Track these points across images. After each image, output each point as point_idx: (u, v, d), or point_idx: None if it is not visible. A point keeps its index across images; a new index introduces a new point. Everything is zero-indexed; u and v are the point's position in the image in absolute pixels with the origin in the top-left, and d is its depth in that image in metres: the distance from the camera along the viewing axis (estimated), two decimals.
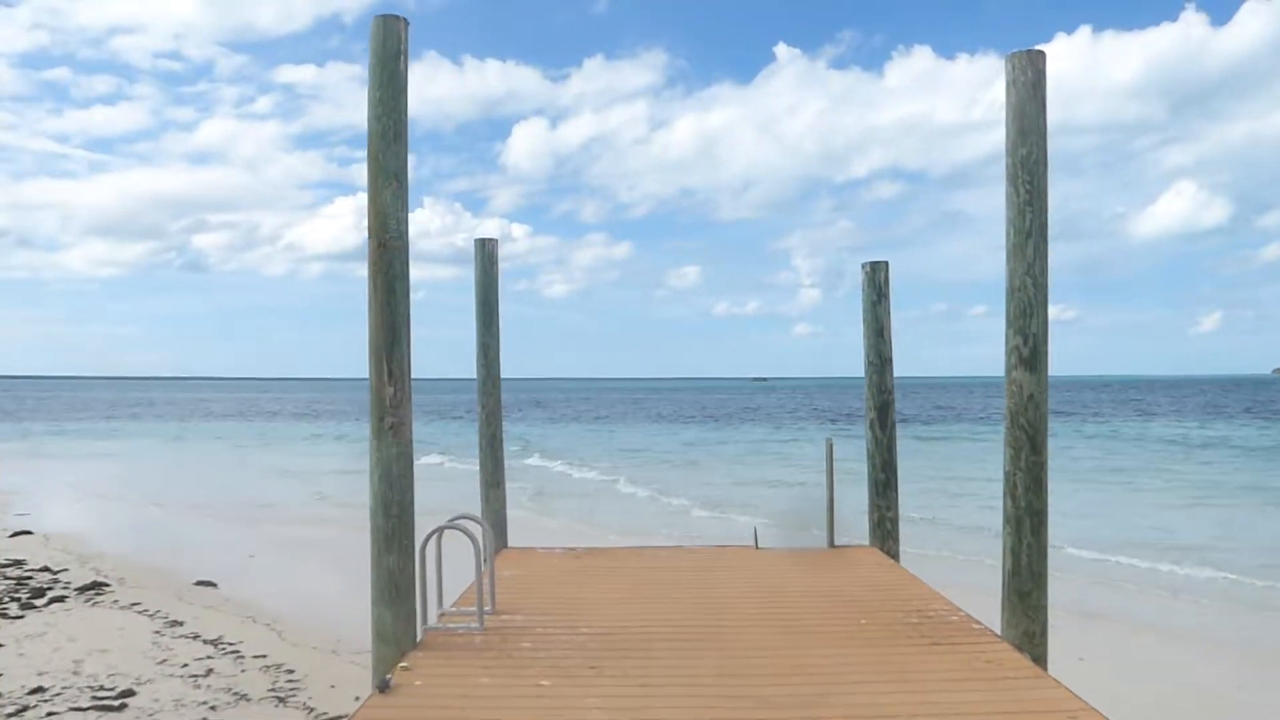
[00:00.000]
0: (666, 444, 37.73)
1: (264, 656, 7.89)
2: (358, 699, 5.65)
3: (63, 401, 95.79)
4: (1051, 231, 4.70)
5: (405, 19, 4.66)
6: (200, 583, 10.97)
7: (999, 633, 4.90)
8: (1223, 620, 9.86)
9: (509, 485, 8.17)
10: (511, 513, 8.17)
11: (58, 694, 6.89)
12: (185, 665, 7.63)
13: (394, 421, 4.56)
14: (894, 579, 6.48)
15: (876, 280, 7.58)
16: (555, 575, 6.75)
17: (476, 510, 7.63)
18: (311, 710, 6.67)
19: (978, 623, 5.11)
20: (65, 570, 11.71)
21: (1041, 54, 4.70)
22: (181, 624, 9.02)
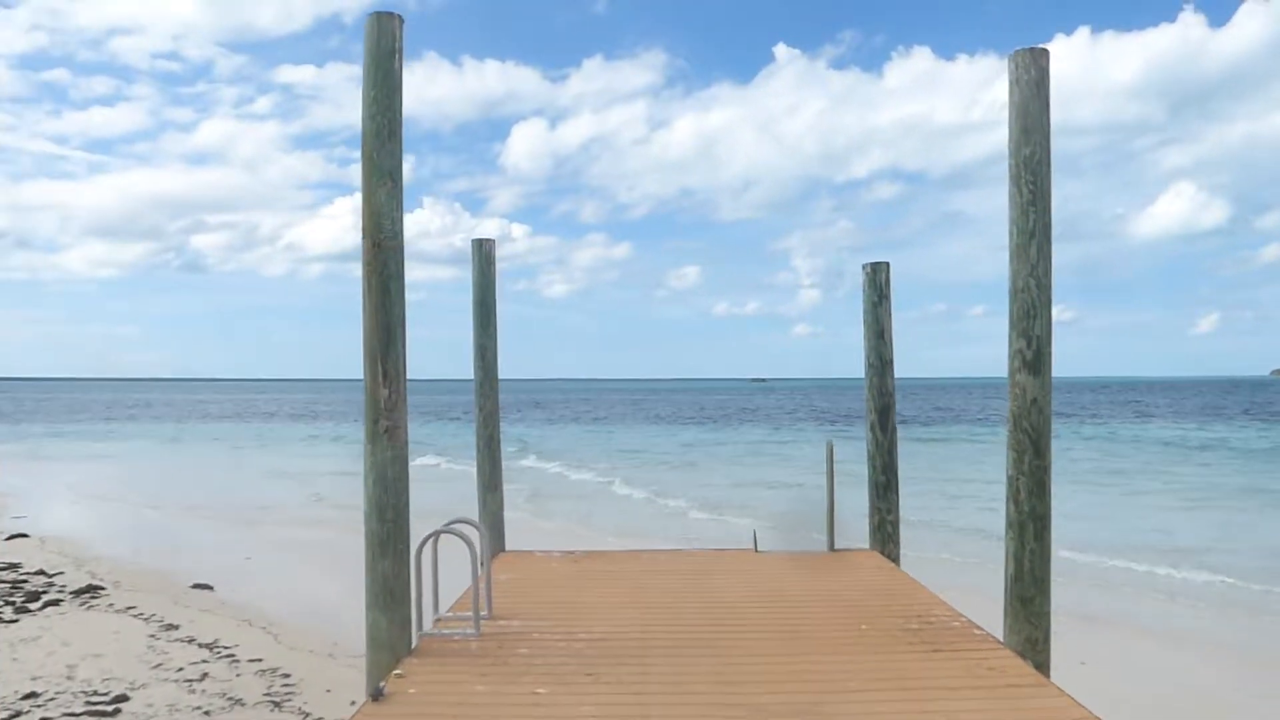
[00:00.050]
0: (665, 445, 37.68)
1: (260, 660, 7.84)
2: (354, 703, 5.59)
3: (61, 403, 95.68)
4: (1053, 232, 4.64)
5: (400, 16, 4.61)
6: (197, 585, 10.92)
7: (1001, 639, 4.84)
8: (1222, 624, 9.82)
9: (505, 487, 8.11)
10: (508, 515, 8.12)
11: (51, 699, 6.83)
12: (180, 669, 7.57)
13: (389, 425, 4.51)
14: (895, 583, 6.43)
15: (877, 281, 7.53)
16: (553, 579, 6.69)
17: (474, 513, 7.57)
18: (307, 715, 6.62)
19: (979, 628, 5.06)
20: (61, 573, 11.65)
21: (1045, 52, 4.64)
22: (177, 627, 8.96)
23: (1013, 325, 4.69)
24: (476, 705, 3.98)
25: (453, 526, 5.04)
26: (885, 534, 7.52)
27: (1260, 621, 9.87)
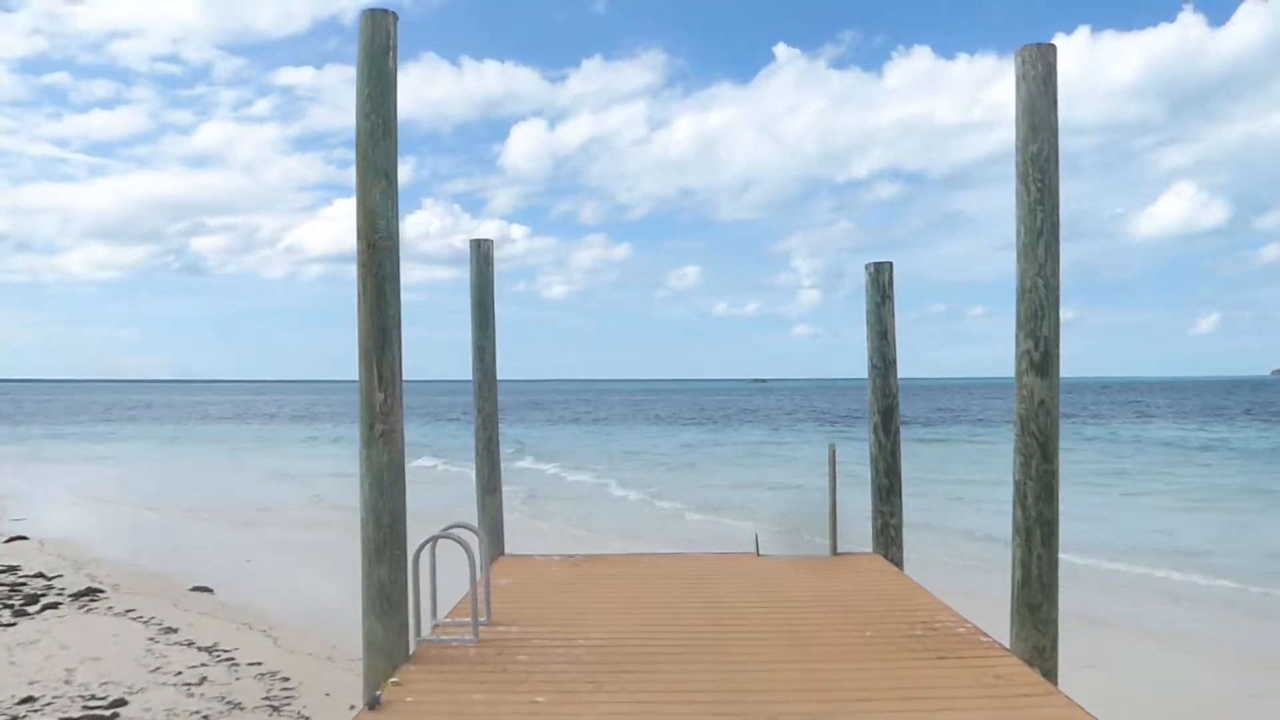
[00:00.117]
0: (664, 446, 37.61)
1: (259, 664, 7.79)
2: (352, 708, 5.54)
3: (61, 404, 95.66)
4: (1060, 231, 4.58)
5: (394, 13, 4.55)
6: (196, 588, 10.87)
7: (1007, 646, 4.78)
8: (1226, 626, 9.78)
9: (503, 489, 8.05)
10: (505, 516, 8.06)
11: (48, 704, 6.78)
12: (179, 673, 7.52)
13: (384, 429, 4.45)
14: (898, 588, 6.37)
15: (880, 281, 7.46)
16: (553, 584, 6.63)
17: (472, 515, 7.52)
18: (306, 719, 6.57)
19: (985, 635, 4.99)
20: (60, 576, 11.60)
21: (1052, 47, 4.55)
22: (176, 631, 8.91)
23: (1020, 326, 4.61)
24: (475, 714, 3.91)
25: (450, 531, 4.98)
26: (888, 537, 7.46)
27: (1262, 624, 9.83)
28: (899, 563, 7.34)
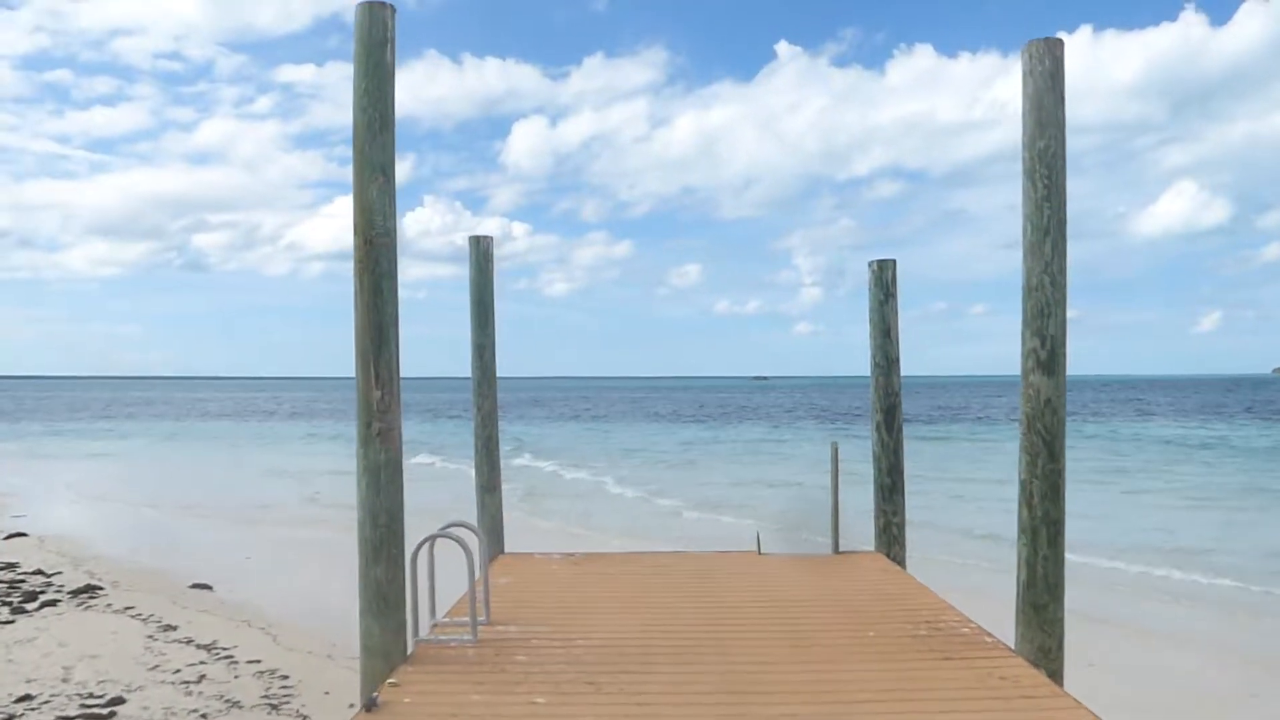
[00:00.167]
0: (663, 443, 37.57)
1: (258, 662, 7.76)
2: (352, 706, 5.50)
3: (62, 401, 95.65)
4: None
5: (392, 6, 4.49)
6: (195, 585, 10.84)
7: (1012, 646, 4.73)
8: (1227, 625, 9.76)
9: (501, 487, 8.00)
10: (504, 515, 8.02)
11: (46, 702, 6.75)
12: (177, 671, 7.49)
13: (382, 427, 4.40)
14: (901, 587, 6.32)
15: (884, 279, 7.40)
16: (552, 582, 6.59)
17: (471, 513, 7.47)
18: (305, 718, 6.54)
19: (990, 635, 4.94)
20: (59, 573, 11.57)
21: (1059, 42, 4.49)
22: (175, 628, 8.88)
23: (1026, 324, 4.56)
24: (473, 715, 3.87)
25: (449, 530, 4.93)
26: (891, 536, 7.41)
27: (1262, 623, 9.81)
28: (901, 562, 7.29)
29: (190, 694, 6.94)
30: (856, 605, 5.74)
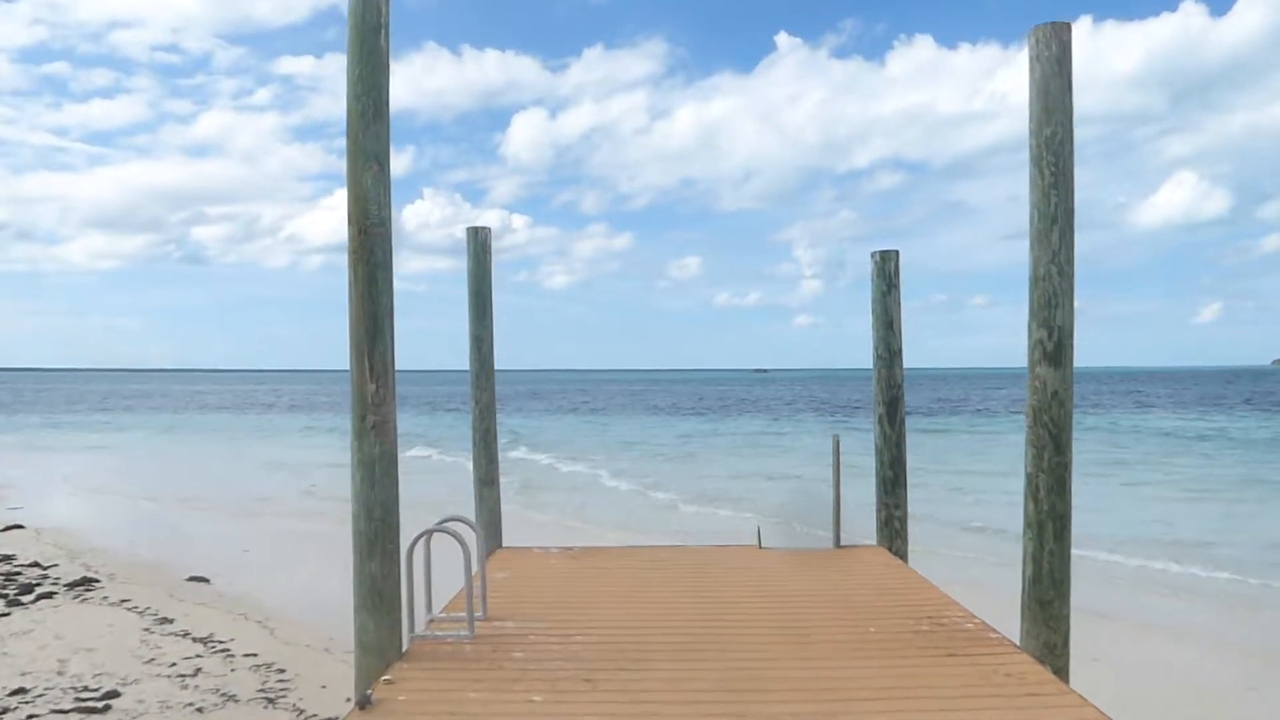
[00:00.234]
0: (662, 436, 37.53)
1: (254, 655, 7.71)
2: (349, 700, 5.46)
3: (60, 393, 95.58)
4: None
5: None
6: (193, 578, 10.79)
7: (1017, 643, 4.67)
8: (1226, 618, 9.73)
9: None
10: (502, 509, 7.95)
11: (40, 695, 6.69)
12: (173, 664, 7.44)
13: (376, 420, 4.32)
14: (904, 582, 6.26)
15: (886, 270, 7.32)
16: (550, 577, 6.53)
17: (468, 506, 7.41)
18: (301, 712, 6.49)
19: (994, 631, 4.88)
20: (55, 565, 11.52)
21: (1067, 27, 4.40)
22: (171, 621, 8.83)
23: (1033, 315, 4.47)
24: (469, 713, 3.81)
25: (445, 525, 4.86)
26: (893, 530, 7.35)
27: (1261, 615, 9.78)
28: (903, 555, 7.23)
29: (186, 687, 6.89)
30: (858, 600, 5.68)
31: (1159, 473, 23.16)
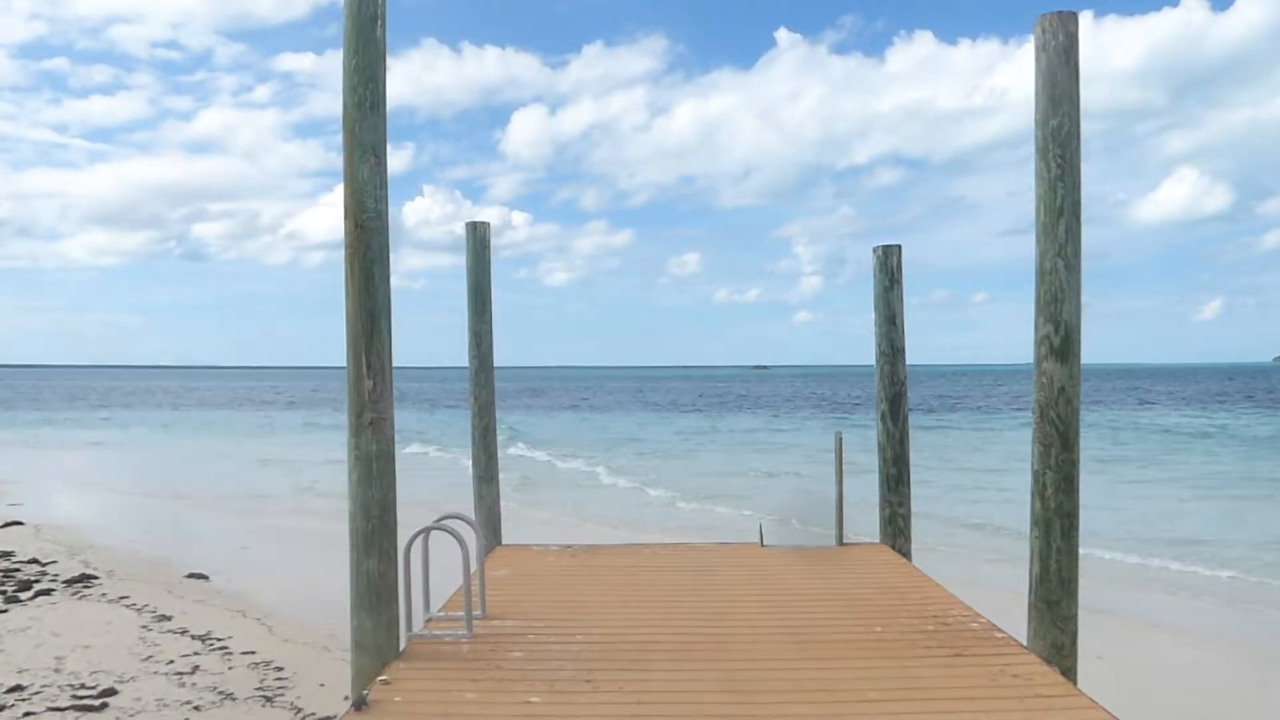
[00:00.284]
0: (660, 433, 37.50)
1: (253, 653, 7.67)
2: (346, 698, 5.41)
3: (61, 390, 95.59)
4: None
5: None
6: (191, 575, 10.75)
7: (1024, 643, 4.61)
8: (1229, 616, 9.69)
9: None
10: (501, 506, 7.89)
11: (37, 693, 6.65)
12: (171, 662, 7.40)
13: (374, 417, 4.26)
14: (908, 580, 6.20)
15: (889, 265, 7.25)
16: (550, 575, 6.48)
17: (468, 504, 7.36)
18: (299, 710, 6.44)
19: (1000, 631, 4.81)
20: (54, 562, 11.48)
21: (1074, 16, 4.29)
22: (170, 618, 8.79)
23: (1039, 310, 4.39)
24: (465, 714, 3.75)
25: (443, 523, 4.80)
26: (896, 528, 7.28)
27: (1264, 613, 9.75)
28: (907, 554, 7.17)
29: (183, 685, 6.84)
30: (862, 600, 5.62)
31: (1160, 470, 23.11)
